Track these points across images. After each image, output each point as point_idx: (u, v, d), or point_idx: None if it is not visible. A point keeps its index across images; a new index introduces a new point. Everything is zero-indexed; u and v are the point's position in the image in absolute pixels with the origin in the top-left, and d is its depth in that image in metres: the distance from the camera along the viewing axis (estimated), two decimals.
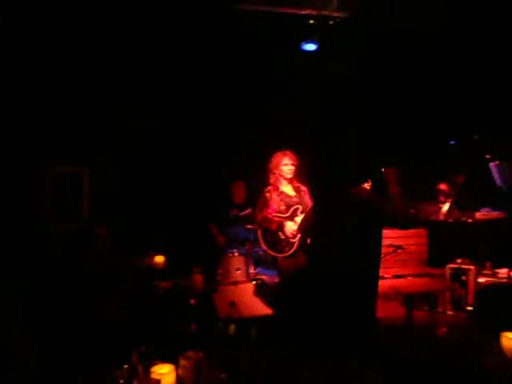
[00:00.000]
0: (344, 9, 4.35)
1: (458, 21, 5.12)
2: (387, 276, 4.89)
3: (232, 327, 3.48)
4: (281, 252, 4.21)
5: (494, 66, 5.56)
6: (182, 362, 2.64)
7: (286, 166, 4.30)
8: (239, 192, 5.88)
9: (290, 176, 4.32)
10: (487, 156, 5.04)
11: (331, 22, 4.47)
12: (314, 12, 4.32)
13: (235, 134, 6.20)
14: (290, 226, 4.18)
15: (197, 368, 2.61)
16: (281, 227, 4.20)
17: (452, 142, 5.50)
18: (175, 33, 5.21)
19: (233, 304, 4.29)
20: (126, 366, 2.52)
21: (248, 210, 5.73)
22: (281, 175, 4.32)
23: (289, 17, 4.48)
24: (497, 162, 5.15)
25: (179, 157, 6.16)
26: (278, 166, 4.31)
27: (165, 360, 2.61)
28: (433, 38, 5.19)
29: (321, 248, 2.89)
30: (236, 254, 5.29)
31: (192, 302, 4.56)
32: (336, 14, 4.37)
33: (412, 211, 5.98)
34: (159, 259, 4.94)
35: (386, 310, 5.16)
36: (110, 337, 2.95)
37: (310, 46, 4.94)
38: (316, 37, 4.78)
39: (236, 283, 4.89)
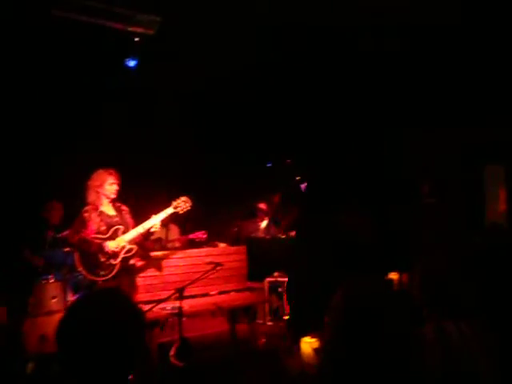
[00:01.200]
0: (148, 26, 4.44)
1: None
2: (212, 293, 5.05)
3: (30, 366, 3.13)
4: (101, 275, 3.99)
5: (307, 96, 6.25)
6: None
7: (111, 185, 4.12)
8: (55, 212, 5.42)
9: (114, 196, 4.15)
10: (297, 178, 5.61)
11: (137, 39, 4.53)
12: (122, 27, 4.30)
13: (50, 151, 5.72)
14: (112, 245, 4.00)
15: None
16: (101, 248, 3.99)
17: (269, 165, 5.99)
18: None
19: (43, 338, 3.88)
20: None
21: (66, 232, 5.31)
22: (104, 194, 4.13)
23: (112, 31, 4.38)
24: (306, 184, 5.77)
25: None
26: (102, 184, 4.10)
27: None
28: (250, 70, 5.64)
29: None
30: (52, 280, 4.83)
31: None
32: (140, 31, 4.42)
33: (234, 229, 6.33)
34: None
35: (212, 327, 5.31)
36: None
37: (132, 63, 4.90)
38: (137, 53, 4.78)
39: (50, 313, 4.45)
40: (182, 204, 4.29)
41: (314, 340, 3.07)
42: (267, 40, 5.20)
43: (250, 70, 5.78)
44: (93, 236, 4.01)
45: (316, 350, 2.64)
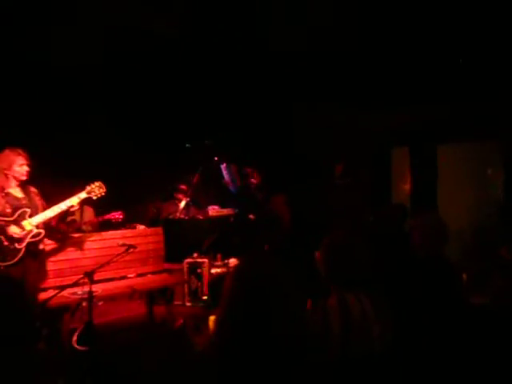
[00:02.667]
0: None
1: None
2: (130, 276, 4.96)
3: None
4: (5, 260, 3.75)
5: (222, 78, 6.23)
6: None
7: (20, 166, 3.88)
8: None
9: (24, 178, 3.91)
10: (216, 158, 5.61)
11: None
12: None
13: None
14: (14, 230, 3.78)
15: None
16: (3, 231, 3.76)
17: (188, 146, 5.93)
18: None
19: None
20: None
21: None
22: (13, 176, 3.87)
23: None
24: (225, 164, 5.79)
25: None
26: (10, 166, 3.84)
27: None
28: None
29: None
30: None
31: None
32: None
33: (153, 211, 6.23)
34: None
35: (129, 310, 5.23)
36: None
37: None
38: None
39: None
40: (96, 189, 4.17)
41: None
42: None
43: (164, 45, 5.63)
44: None
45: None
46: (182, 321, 4.76)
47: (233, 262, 5.55)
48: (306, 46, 5.45)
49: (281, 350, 1.40)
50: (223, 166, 5.95)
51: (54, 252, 4.43)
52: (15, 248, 3.78)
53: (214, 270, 5.36)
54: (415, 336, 2.37)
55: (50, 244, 4.35)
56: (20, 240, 3.79)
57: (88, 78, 5.74)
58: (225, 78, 6.15)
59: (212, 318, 2.72)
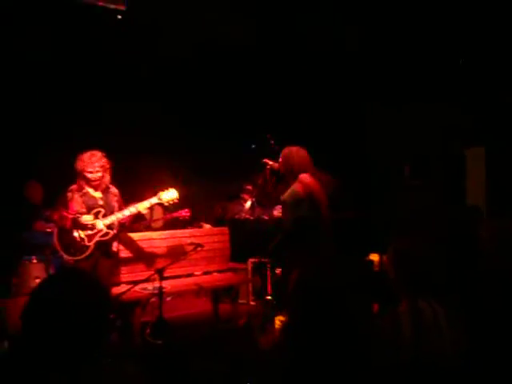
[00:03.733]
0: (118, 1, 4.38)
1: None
2: (197, 273, 5.10)
3: (5, 344, 3.16)
4: (75, 255, 3.98)
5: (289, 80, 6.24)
6: None
7: (95, 167, 4.03)
8: (34, 192, 5.38)
9: (98, 178, 4.06)
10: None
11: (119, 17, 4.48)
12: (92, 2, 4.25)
13: (32, 132, 5.68)
14: (87, 218, 3.96)
15: None
16: (76, 222, 3.94)
17: (253, 146, 5.97)
18: None
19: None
20: None
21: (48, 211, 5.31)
22: (89, 177, 4.06)
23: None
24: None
25: None
26: (87, 167, 4.01)
27: None
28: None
29: None
30: (34, 261, 4.84)
31: None
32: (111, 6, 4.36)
33: (219, 210, 6.35)
34: None
35: (196, 306, 5.38)
36: None
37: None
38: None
39: None
40: (168, 196, 4.21)
41: (284, 318, 3.15)
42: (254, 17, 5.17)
43: (235, 49, 5.73)
44: (68, 214, 3.98)
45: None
46: (246, 319, 4.82)
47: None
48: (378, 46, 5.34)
49: (348, 355, 1.37)
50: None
51: (127, 249, 4.63)
52: (85, 244, 3.98)
53: (278, 270, 5.38)
54: (489, 349, 2.23)
55: (124, 242, 4.55)
56: (90, 237, 4.00)
57: (162, 80, 5.97)
58: (292, 79, 6.16)
59: (277, 318, 2.74)
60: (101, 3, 4.27)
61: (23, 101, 5.53)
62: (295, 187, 4.15)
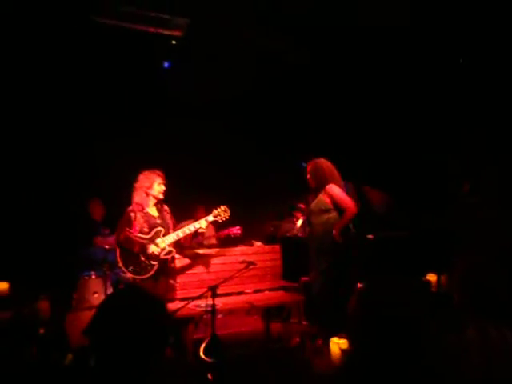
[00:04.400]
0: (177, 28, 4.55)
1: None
2: (248, 291, 5.09)
3: (69, 357, 3.27)
4: (140, 273, 4.11)
5: (336, 95, 6.22)
6: None
7: (159, 185, 4.23)
8: (97, 209, 5.63)
9: (161, 197, 4.25)
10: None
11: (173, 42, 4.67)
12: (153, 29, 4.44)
13: (91, 151, 5.95)
14: (153, 249, 4.11)
15: None
16: (144, 250, 4.10)
17: (304, 164, 5.95)
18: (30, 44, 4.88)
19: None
20: None
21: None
22: (152, 195, 4.22)
23: (146, 35, 4.53)
24: (342, 182, 5.68)
25: (28, 176, 5.68)
26: (151, 186, 4.20)
27: None
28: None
29: None
30: (93, 277, 5.02)
31: (41, 331, 4.20)
32: (169, 33, 4.54)
33: (270, 228, 6.34)
34: (2, 286, 4.48)
35: (246, 325, 5.35)
36: None
37: (167, 64, 5.05)
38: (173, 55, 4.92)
39: (91, 308, 4.62)
40: (221, 213, 4.38)
41: (342, 341, 3.05)
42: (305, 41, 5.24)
43: (286, 69, 5.81)
44: (136, 235, 4.14)
45: (344, 351, 2.62)
46: (298, 339, 4.73)
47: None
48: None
49: (414, 380, 1.31)
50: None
51: (181, 266, 4.71)
52: (150, 263, 4.10)
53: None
54: None
55: (178, 259, 4.65)
56: (155, 257, 4.11)
57: (213, 101, 6.12)
58: (343, 96, 6.14)
59: (334, 339, 2.66)
60: (159, 30, 4.46)
61: (89, 123, 5.83)
62: (322, 196, 4.44)
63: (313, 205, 4.51)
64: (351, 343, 1.44)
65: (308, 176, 4.63)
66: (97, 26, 4.77)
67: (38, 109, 5.64)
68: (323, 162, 4.59)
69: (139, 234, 4.14)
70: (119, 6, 4.40)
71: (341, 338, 2.95)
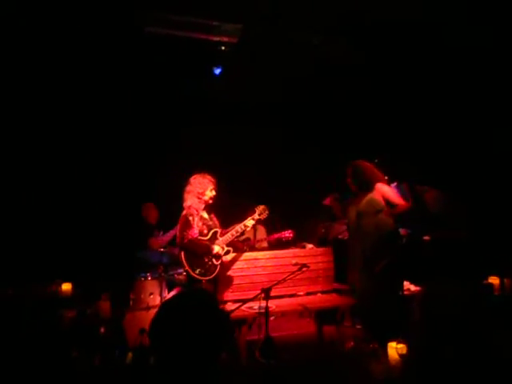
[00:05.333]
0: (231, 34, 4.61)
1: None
2: (300, 294, 5.06)
3: (129, 356, 3.38)
4: (205, 275, 4.24)
5: (390, 96, 6.07)
6: None
7: (211, 191, 4.39)
8: (152, 213, 5.82)
9: (211, 201, 4.41)
10: (386, 177, 5.42)
11: (222, 48, 4.73)
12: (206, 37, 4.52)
13: (145, 156, 6.16)
14: (217, 248, 4.28)
15: None
16: (209, 250, 4.26)
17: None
18: (84, 57, 5.13)
19: (143, 331, 4.16)
20: None
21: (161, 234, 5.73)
22: (204, 200, 4.37)
23: (197, 42, 4.63)
24: (396, 183, 5.55)
25: (84, 180, 5.97)
26: (204, 191, 4.35)
27: None
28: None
29: None
30: (149, 278, 5.18)
31: (102, 330, 4.39)
32: (224, 40, 4.61)
33: (321, 230, 6.28)
34: (66, 287, 4.71)
35: (299, 327, 5.32)
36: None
37: (218, 70, 5.13)
38: (223, 61, 5.00)
39: (148, 308, 4.77)
40: (262, 211, 4.53)
41: (401, 345, 2.96)
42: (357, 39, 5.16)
43: (339, 70, 5.74)
44: (197, 238, 4.30)
45: (403, 356, 2.54)
46: (352, 343, 4.65)
47: (404, 285, 5.25)
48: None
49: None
50: (394, 185, 5.71)
51: (233, 269, 4.77)
52: (213, 264, 4.26)
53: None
54: None
55: (231, 261, 4.72)
56: (218, 257, 4.26)
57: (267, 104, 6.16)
58: (393, 95, 6.00)
59: (391, 344, 2.59)
60: (215, 38, 4.55)
61: (143, 129, 6.05)
62: (374, 195, 4.42)
63: (362, 206, 4.47)
64: (412, 348, 1.40)
65: (348, 180, 4.63)
66: (148, 36, 4.95)
67: (97, 117, 5.90)
68: (363, 163, 4.62)
69: (199, 237, 4.29)
70: (169, 15, 4.53)
71: (399, 342, 2.87)
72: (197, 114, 6.06)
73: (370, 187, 4.47)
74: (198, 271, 4.24)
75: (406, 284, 5.08)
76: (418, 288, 4.92)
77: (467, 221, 5.17)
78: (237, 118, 6.22)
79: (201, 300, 1.48)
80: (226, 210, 4.75)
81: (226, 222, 4.63)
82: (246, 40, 4.74)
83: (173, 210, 4.53)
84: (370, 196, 4.46)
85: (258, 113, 6.23)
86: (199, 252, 4.24)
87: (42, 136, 5.67)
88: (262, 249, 5.72)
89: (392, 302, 4.21)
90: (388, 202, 4.45)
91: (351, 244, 4.69)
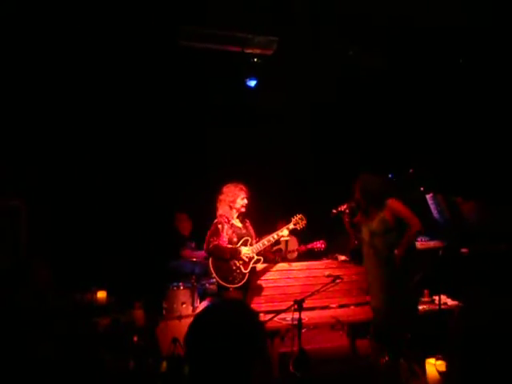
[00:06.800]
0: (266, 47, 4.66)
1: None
2: (332, 306, 5.00)
3: (164, 365, 3.41)
4: (234, 282, 4.23)
5: (426, 106, 5.97)
6: None
7: (242, 200, 4.39)
8: (185, 223, 5.87)
9: (243, 210, 4.41)
10: (421, 188, 5.32)
11: (255, 60, 4.78)
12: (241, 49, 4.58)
13: (182, 167, 6.25)
14: (246, 250, 4.25)
15: None
16: (236, 252, 4.23)
17: (391, 176, 5.76)
18: (116, 67, 5.28)
19: (176, 340, 4.19)
20: None
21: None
22: (236, 208, 4.39)
23: (231, 54, 4.70)
24: (431, 194, 5.43)
25: (118, 190, 6.09)
26: (235, 199, 4.37)
27: None
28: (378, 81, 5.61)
29: None
30: (181, 287, 5.22)
31: (135, 338, 4.44)
32: (259, 52, 4.66)
33: (355, 242, 6.17)
34: (101, 295, 4.80)
35: (331, 340, 5.24)
36: (39, 377, 2.82)
37: (253, 82, 5.17)
38: (257, 73, 5.05)
39: (180, 317, 4.81)
40: (299, 221, 4.50)
41: (440, 362, 2.86)
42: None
43: (368, 80, 5.71)
44: (226, 246, 4.30)
45: (442, 374, 2.46)
46: (387, 358, 4.54)
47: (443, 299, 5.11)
48: None
49: None
50: (429, 197, 5.58)
51: (265, 280, 4.75)
52: (241, 272, 4.24)
53: (420, 307, 5.02)
54: None
55: (263, 272, 4.71)
56: (246, 264, 4.24)
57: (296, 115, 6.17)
58: (429, 104, 5.90)
59: (429, 360, 2.51)
60: (249, 50, 4.62)
61: (183, 141, 6.15)
62: (386, 216, 3.98)
63: (374, 226, 4.05)
64: (451, 365, 1.35)
65: (358, 195, 4.13)
66: (183, 49, 5.05)
67: (134, 127, 6.04)
68: (373, 177, 4.17)
69: (229, 245, 4.28)
70: (204, 29, 4.62)
71: (438, 359, 2.78)
72: (234, 124, 6.11)
73: (382, 203, 4.00)
74: (225, 278, 4.22)
75: (443, 298, 4.94)
76: (455, 302, 4.77)
77: (508, 233, 4.99)
78: (270, 128, 6.24)
79: (239, 311, 1.48)
80: (261, 220, 4.75)
81: (260, 232, 4.63)
82: (281, 51, 4.77)
83: (208, 224, 4.54)
84: (380, 215, 4.03)
85: (290, 121, 6.23)
86: (226, 256, 4.21)
87: (84, 146, 5.84)
88: (294, 259, 5.69)
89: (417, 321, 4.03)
90: (401, 220, 3.99)
91: (368, 267, 4.27)
